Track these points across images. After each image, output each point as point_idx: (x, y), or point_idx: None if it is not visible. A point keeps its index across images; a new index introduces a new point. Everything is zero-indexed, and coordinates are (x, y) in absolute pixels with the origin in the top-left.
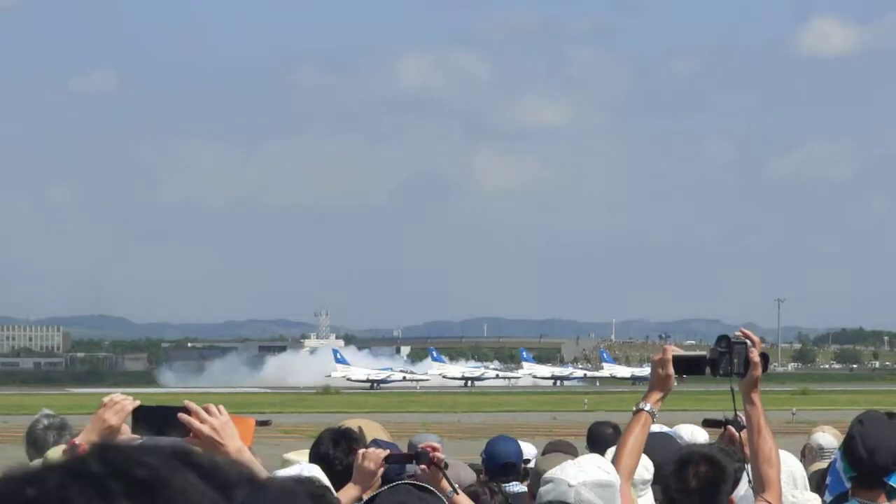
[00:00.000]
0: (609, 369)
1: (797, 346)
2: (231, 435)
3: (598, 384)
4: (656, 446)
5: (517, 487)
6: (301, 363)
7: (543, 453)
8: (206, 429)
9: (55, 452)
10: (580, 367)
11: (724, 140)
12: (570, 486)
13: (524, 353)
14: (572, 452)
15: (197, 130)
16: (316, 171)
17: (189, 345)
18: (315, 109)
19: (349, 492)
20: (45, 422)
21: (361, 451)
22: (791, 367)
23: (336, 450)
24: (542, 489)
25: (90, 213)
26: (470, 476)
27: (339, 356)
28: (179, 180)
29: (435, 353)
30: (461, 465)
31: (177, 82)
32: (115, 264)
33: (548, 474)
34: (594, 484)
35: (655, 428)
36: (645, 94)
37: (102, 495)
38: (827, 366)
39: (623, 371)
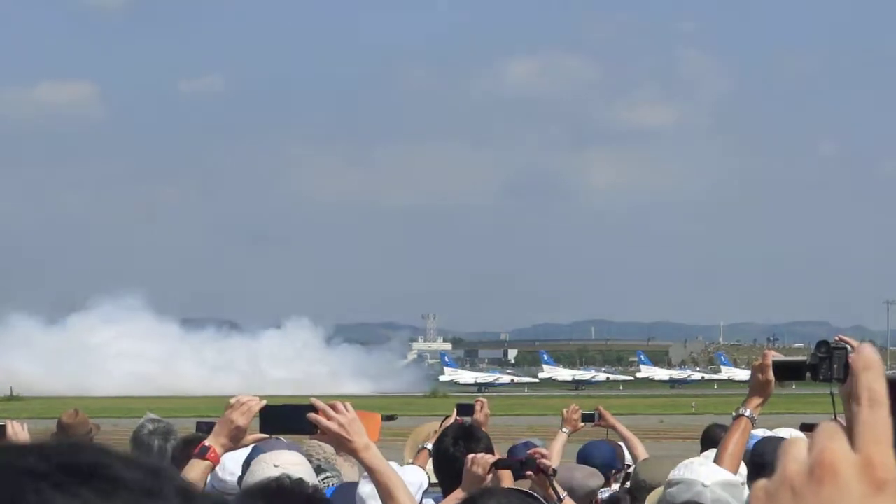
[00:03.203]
0: (727, 372)
1: None
2: (358, 431)
3: (715, 387)
4: (773, 449)
5: (606, 493)
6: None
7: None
8: (333, 426)
9: (196, 465)
10: (698, 370)
11: (832, 139)
12: (704, 486)
13: (641, 356)
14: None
15: (306, 133)
16: (423, 173)
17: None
18: (424, 112)
19: (455, 496)
20: (150, 426)
21: (470, 456)
22: None
23: (455, 448)
24: (671, 491)
25: (197, 215)
26: (596, 482)
27: (447, 360)
28: (286, 182)
29: (546, 357)
30: (590, 472)
31: (286, 85)
32: (223, 267)
33: (674, 476)
34: (727, 483)
35: (758, 433)
36: (752, 94)
37: (59, 487)
38: None
39: (742, 374)
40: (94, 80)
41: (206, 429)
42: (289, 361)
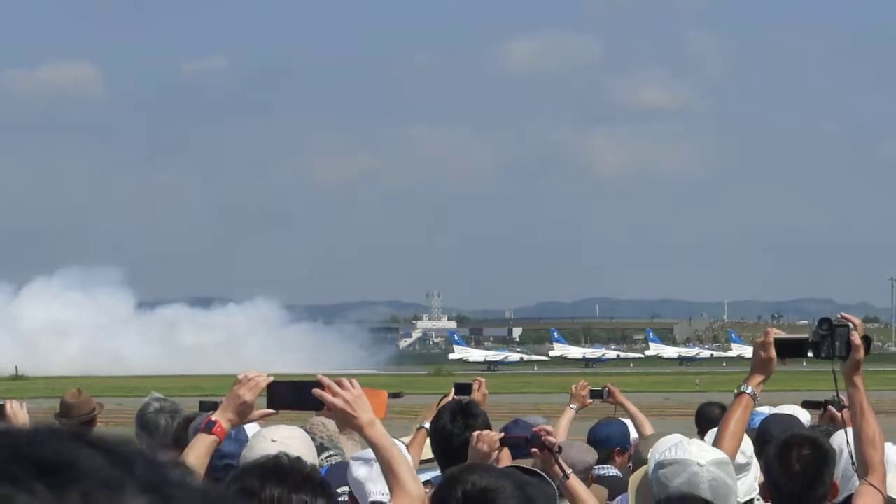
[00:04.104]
0: (738, 350)
1: None
2: (364, 408)
3: (724, 365)
4: (781, 426)
5: (611, 471)
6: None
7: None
8: (339, 402)
9: (202, 440)
10: (707, 347)
11: (836, 118)
12: (699, 465)
13: (650, 334)
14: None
15: (310, 114)
16: (427, 152)
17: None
18: (428, 91)
19: None
20: (156, 405)
21: (476, 433)
22: None
23: (453, 424)
24: (666, 471)
25: (200, 196)
26: (591, 458)
27: (456, 338)
28: (290, 163)
29: (556, 335)
30: (585, 448)
31: (288, 67)
32: (225, 248)
33: (666, 456)
34: (721, 461)
35: (764, 410)
36: (756, 72)
37: (13, 481)
38: None
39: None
40: (95, 62)
41: (209, 408)
42: (234, 338)
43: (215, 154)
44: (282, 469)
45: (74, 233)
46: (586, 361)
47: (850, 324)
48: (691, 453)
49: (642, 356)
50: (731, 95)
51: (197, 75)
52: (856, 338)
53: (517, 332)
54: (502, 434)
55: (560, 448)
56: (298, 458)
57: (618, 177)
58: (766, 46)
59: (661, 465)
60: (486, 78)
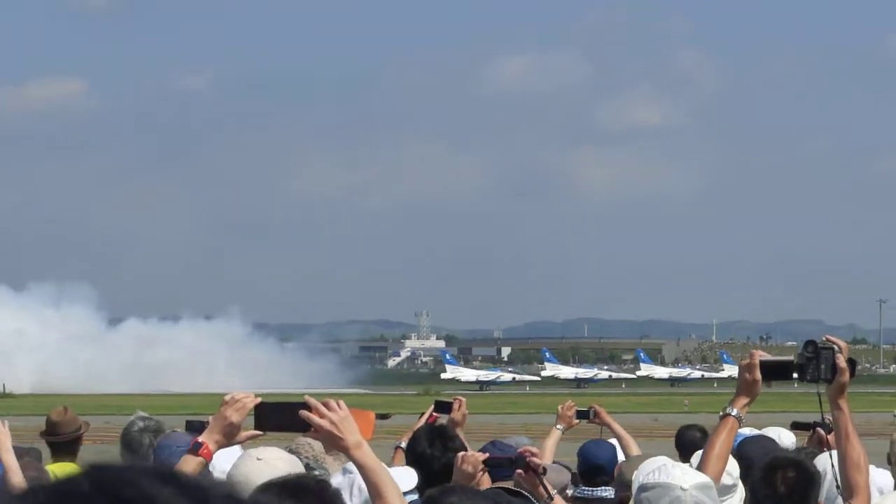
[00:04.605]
0: (730, 370)
1: None
2: (351, 429)
3: (715, 385)
4: (758, 448)
5: (607, 492)
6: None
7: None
8: (326, 424)
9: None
10: (698, 368)
11: (825, 138)
12: (682, 489)
13: (641, 355)
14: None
15: (298, 130)
16: (417, 171)
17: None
18: (418, 109)
19: None
20: (141, 424)
21: (461, 453)
22: (893, 368)
23: (432, 448)
24: (649, 495)
25: (190, 211)
26: (564, 478)
27: (448, 357)
28: (280, 180)
29: (548, 355)
30: (556, 468)
31: (278, 85)
32: (214, 264)
33: (648, 480)
34: (704, 485)
35: (745, 431)
36: (745, 92)
37: None
38: None
39: None
40: (84, 77)
41: (196, 427)
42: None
43: (201, 169)
44: (302, 488)
45: (48, 245)
46: (578, 382)
47: (835, 346)
48: (675, 477)
49: (634, 377)
50: (720, 116)
51: (183, 90)
52: (841, 361)
53: (506, 351)
54: (487, 455)
55: (545, 469)
56: (324, 481)
57: (607, 196)
58: (755, 67)
59: (643, 488)
60: (475, 97)
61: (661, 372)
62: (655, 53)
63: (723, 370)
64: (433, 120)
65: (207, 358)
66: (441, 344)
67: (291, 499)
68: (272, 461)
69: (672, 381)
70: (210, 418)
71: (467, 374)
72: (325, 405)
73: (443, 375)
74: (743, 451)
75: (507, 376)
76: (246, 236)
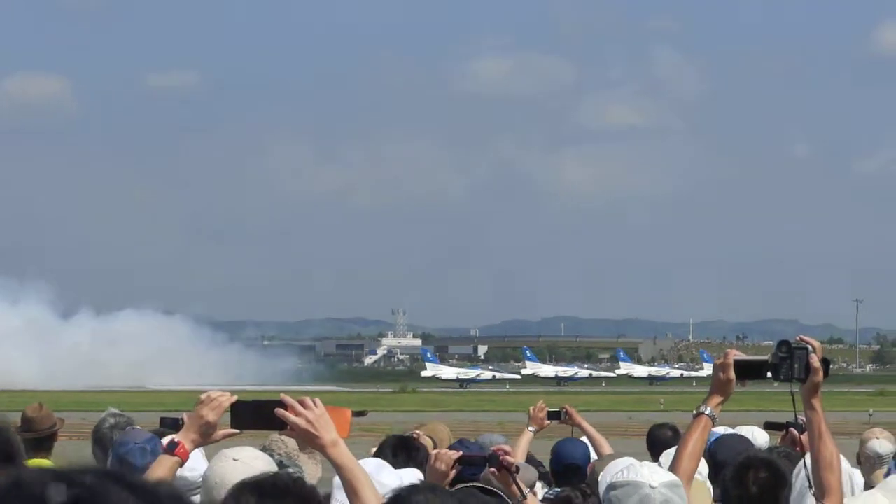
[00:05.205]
0: (709, 370)
1: (875, 347)
2: (326, 427)
3: (694, 384)
4: (731, 448)
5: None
6: None
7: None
8: (301, 422)
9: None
10: (677, 366)
11: (804, 140)
12: (652, 487)
13: (621, 354)
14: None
15: (276, 128)
16: (394, 170)
17: (265, 343)
18: (397, 108)
19: None
20: (112, 420)
21: (434, 451)
22: (869, 368)
23: (395, 459)
24: (618, 493)
25: (168, 211)
26: (532, 476)
27: (428, 355)
28: (258, 179)
29: (528, 353)
30: (524, 466)
31: (258, 84)
32: (192, 261)
33: (617, 478)
34: (672, 484)
35: (719, 430)
36: (724, 94)
37: None
38: None
39: None
40: (65, 75)
41: (169, 423)
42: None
43: (179, 167)
44: (279, 488)
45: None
46: (558, 380)
47: (809, 346)
48: (643, 475)
49: (614, 375)
50: (699, 116)
51: (164, 88)
52: (814, 360)
53: (482, 349)
54: (460, 453)
55: (518, 468)
56: (300, 478)
57: (584, 196)
58: (736, 69)
59: (612, 486)
60: (456, 97)
61: (641, 371)
62: (638, 55)
63: (702, 369)
64: (413, 120)
65: (178, 355)
66: (417, 342)
67: (269, 499)
68: (249, 461)
69: (651, 379)
70: (184, 415)
71: (448, 372)
72: (302, 403)
73: (423, 373)
74: (716, 450)
75: (488, 374)
76: (222, 234)
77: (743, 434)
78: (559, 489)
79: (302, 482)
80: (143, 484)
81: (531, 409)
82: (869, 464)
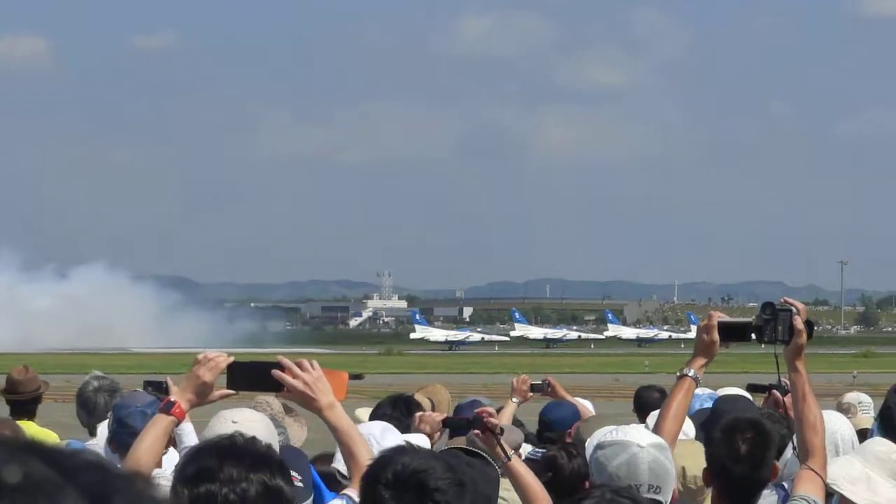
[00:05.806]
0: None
1: (860, 308)
2: (324, 390)
3: (682, 346)
4: (735, 408)
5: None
6: None
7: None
8: (298, 384)
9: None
10: (666, 328)
11: (787, 101)
12: (640, 446)
13: (609, 315)
14: None
15: (261, 90)
16: (378, 131)
17: (252, 305)
18: (379, 69)
19: None
20: (95, 384)
21: (419, 414)
22: (854, 329)
23: (394, 411)
24: (606, 452)
25: (152, 172)
26: (517, 438)
27: (417, 317)
28: (242, 140)
29: (518, 315)
30: (509, 428)
31: (241, 44)
32: (177, 224)
33: (605, 438)
34: (660, 445)
35: (701, 392)
36: (707, 55)
37: None
38: (890, 328)
39: None
40: (45, 35)
41: (154, 385)
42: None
43: (164, 129)
44: (238, 448)
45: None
46: (547, 342)
47: (792, 308)
48: (631, 435)
49: (602, 337)
50: (682, 77)
51: (148, 50)
52: (798, 322)
53: (468, 311)
54: (445, 416)
55: (502, 430)
56: (253, 438)
57: (569, 157)
58: (717, 29)
59: (600, 446)
60: (436, 57)
61: (629, 332)
62: (618, 14)
63: (689, 331)
64: (395, 80)
65: (155, 318)
66: (403, 304)
67: (228, 459)
68: (247, 423)
69: (640, 341)
70: (167, 377)
71: (437, 334)
72: (299, 365)
73: (412, 335)
74: (719, 410)
75: (477, 336)
76: (204, 196)
77: (746, 395)
78: (544, 449)
79: (257, 441)
80: (55, 451)
81: (514, 380)
82: (851, 412)
